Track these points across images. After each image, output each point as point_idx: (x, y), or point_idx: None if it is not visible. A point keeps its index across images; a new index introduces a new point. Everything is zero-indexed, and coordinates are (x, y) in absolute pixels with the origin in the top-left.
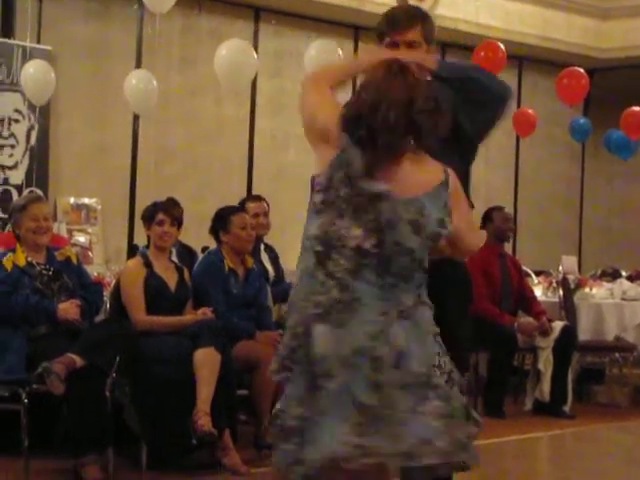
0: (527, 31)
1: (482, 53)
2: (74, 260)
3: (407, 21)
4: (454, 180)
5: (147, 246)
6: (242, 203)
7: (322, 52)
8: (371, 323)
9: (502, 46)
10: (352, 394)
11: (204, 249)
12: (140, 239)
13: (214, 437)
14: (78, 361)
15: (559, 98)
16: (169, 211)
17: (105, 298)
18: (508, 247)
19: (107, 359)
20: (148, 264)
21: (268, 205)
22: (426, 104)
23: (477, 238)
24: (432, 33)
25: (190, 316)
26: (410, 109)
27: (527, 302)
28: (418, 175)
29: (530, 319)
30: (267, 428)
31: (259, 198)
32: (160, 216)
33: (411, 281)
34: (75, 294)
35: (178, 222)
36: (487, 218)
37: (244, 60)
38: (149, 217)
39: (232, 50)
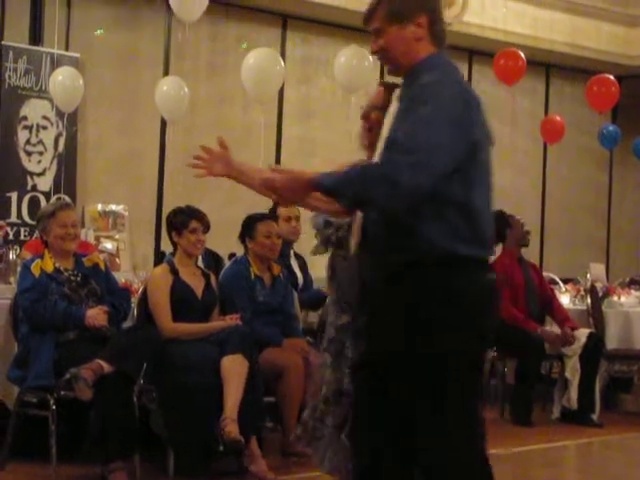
0: (555, 38)
1: (502, 61)
2: (102, 266)
3: (367, 11)
4: None
5: (173, 253)
6: (274, 208)
7: (352, 59)
8: None
9: (522, 54)
10: None
11: (231, 256)
12: (167, 246)
13: (241, 444)
14: (106, 367)
15: (589, 105)
16: (202, 219)
17: (132, 304)
18: (535, 254)
19: (135, 365)
20: (174, 271)
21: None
22: None
23: None
24: (401, 8)
25: (217, 323)
26: None
27: (551, 307)
28: None
29: (554, 328)
30: (297, 436)
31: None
32: (194, 224)
33: None
34: (103, 300)
35: (208, 230)
36: (504, 225)
37: (271, 68)
38: (181, 224)
39: (260, 58)
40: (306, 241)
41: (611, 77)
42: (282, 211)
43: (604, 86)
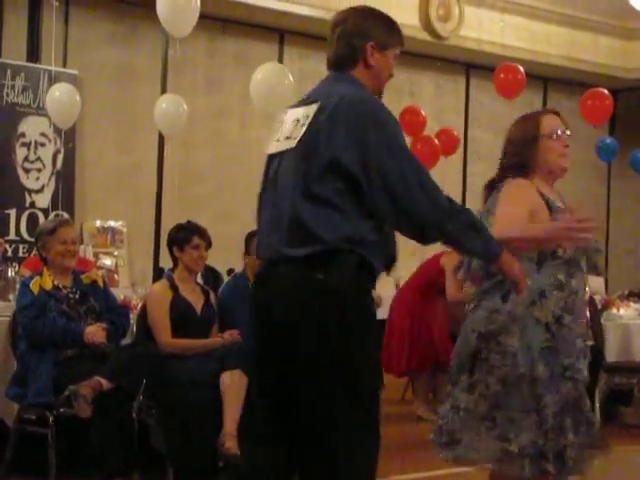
0: (552, 51)
1: (502, 75)
2: (100, 283)
3: None
4: None
5: (172, 269)
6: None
7: None
8: None
9: (522, 68)
10: None
11: (230, 271)
12: (166, 262)
13: (240, 460)
14: (105, 384)
15: (583, 119)
16: (204, 235)
17: (132, 321)
18: None
19: (134, 382)
20: (174, 287)
21: None
22: None
23: None
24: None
25: (217, 339)
26: None
27: None
28: None
29: None
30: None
31: None
32: (196, 240)
33: None
34: (102, 317)
35: (210, 246)
36: None
37: (280, 83)
38: (183, 240)
39: (268, 74)
40: None
41: (605, 91)
42: None
43: (598, 100)
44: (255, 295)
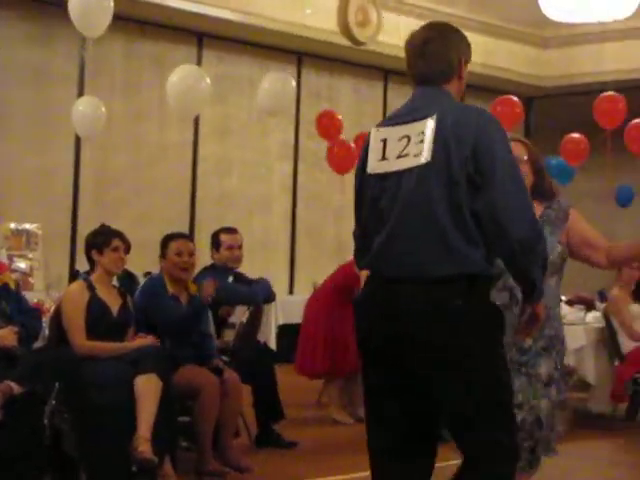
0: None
1: None
2: (12, 286)
3: None
4: None
5: (88, 272)
6: (216, 234)
7: (276, 82)
8: None
9: None
10: None
11: (147, 275)
12: (82, 265)
13: (154, 464)
14: (16, 388)
15: None
16: (124, 238)
17: (44, 325)
18: None
19: (46, 386)
20: (91, 288)
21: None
22: None
23: None
24: None
25: (132, 342)
26: None
27: None
28: None
29: None
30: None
31: (234, 230)
32: (116, 242)
33: None
34: (13, 320)
35: (129, 250)
36: None
37: (196, 85)
38: (103, 243)
39: (184, 76)
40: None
41: (515, 98)
42: (223, 239)
43: (508, 106)
44: (382, 308)
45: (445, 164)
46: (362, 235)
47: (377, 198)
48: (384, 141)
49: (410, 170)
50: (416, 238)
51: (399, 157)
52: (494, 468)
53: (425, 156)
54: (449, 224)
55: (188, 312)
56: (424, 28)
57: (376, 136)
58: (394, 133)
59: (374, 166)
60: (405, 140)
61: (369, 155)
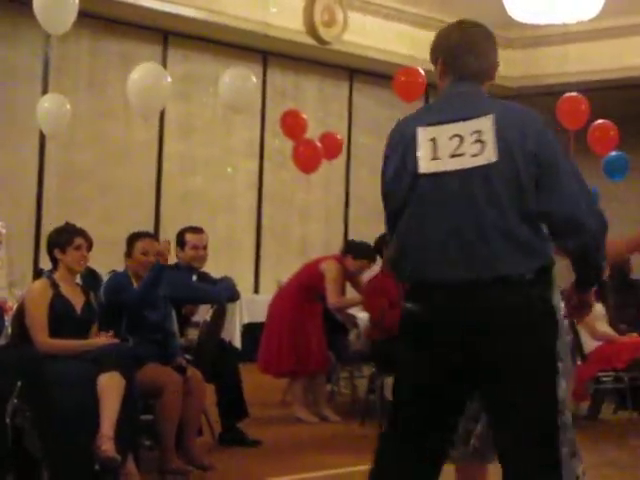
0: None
1: (403, 78)
2: None
3: None
4: None
5: (51, 270)
6: (182, 233)
7: (237, 79)
8: None
9: (422, 71)
10: None
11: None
12: (46, 263)
13: (117, 462)
14: None
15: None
16: (86, 236)
17: (6, 322)
18: None
19: (7, 384)
20: (54, 285)
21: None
22: None
23: None
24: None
25: (95, 339)
26: None
27: None
28: None
29: None
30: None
31: (200, 230)
32: (79, 241)
33: None
34: None
35: (91, 248)
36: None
37: (157, 84)
38: (65, 241)
39: (145, 74)
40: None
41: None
42: (188, 238)
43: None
44: (443, 314)
45: (509, 163)
46: (402, 239)
47: (430, 199)
48: (433, 140)
49: (470, 170)
50: (484, 237)
51: (453, 156)
52: None
53: (488, 156)
54: (516, 221)
55: (147, 277)
56: (467, 25)
57: (424, 135)
58: (443, 132)
59: (427, 166)
60: (457, 139)
61: (419, 154)
